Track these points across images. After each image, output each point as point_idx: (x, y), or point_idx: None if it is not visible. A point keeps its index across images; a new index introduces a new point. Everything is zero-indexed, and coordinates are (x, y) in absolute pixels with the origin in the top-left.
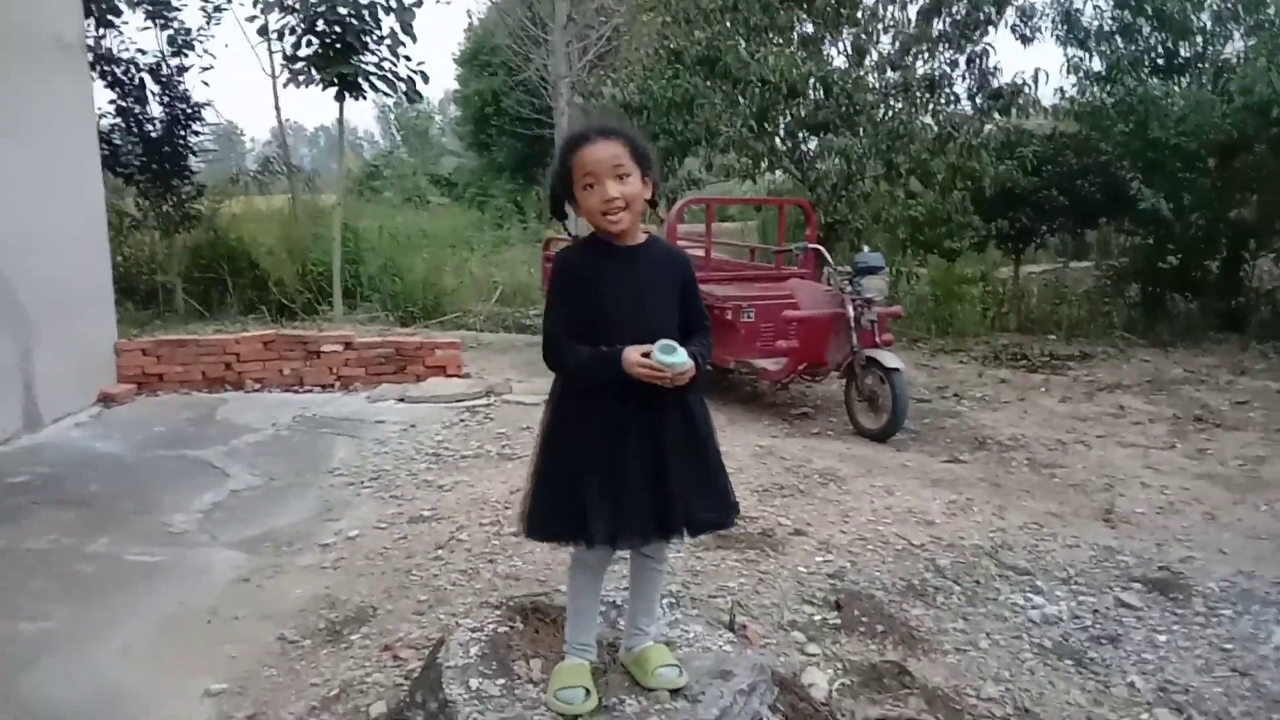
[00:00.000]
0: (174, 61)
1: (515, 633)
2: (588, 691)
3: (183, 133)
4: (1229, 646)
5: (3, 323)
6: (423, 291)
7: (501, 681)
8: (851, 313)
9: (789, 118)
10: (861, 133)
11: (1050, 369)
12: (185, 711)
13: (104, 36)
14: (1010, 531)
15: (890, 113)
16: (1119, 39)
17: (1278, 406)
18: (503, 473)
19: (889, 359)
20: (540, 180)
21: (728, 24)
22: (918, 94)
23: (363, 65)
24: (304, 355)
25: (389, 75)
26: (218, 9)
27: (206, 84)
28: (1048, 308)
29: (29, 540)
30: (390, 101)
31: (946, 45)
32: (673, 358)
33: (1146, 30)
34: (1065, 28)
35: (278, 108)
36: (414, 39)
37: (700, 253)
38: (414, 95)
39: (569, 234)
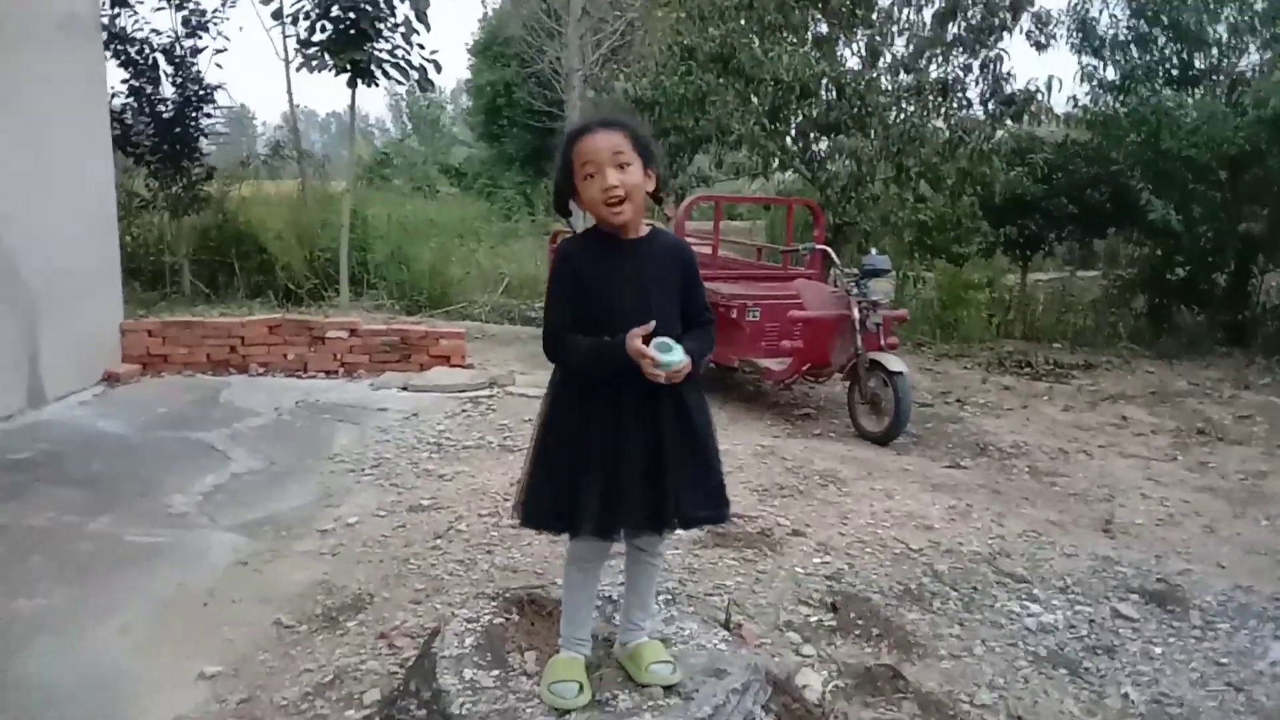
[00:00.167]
0: (188, 43)
1: (511, 624)
2: (581, 686)
3: (194, 114)
4: (1225, 661)
5: (8, 300)
6: (429, 281)
7: (496, 673)
8: (857, 315)
9: (801, 117)
10: (873, 135)
11: (1054, 377)
12: (179, 694)
13: (118, 16)
14: (1009, 539)
15: (902, 115)
16: (1134, 48)
17: None
18: (503, 464)
19: (893, 362)
20: (550, 173)
21: (742, 22)
22: (930, 97)
23: (376, 52)
24: (309, 341)
25: (402, 63)
26: None
27: (220, 66)
28: (1054, 316)
29: (30, 518)
30: (402, 89)
31: (960, 49)
32: (669, 356)
33: (1162, 41)
34: (1080, 35)
35: (290, 92)
36: (428, 27)
37: (707, 250)
38: (426, 84)
39: (572, 229)
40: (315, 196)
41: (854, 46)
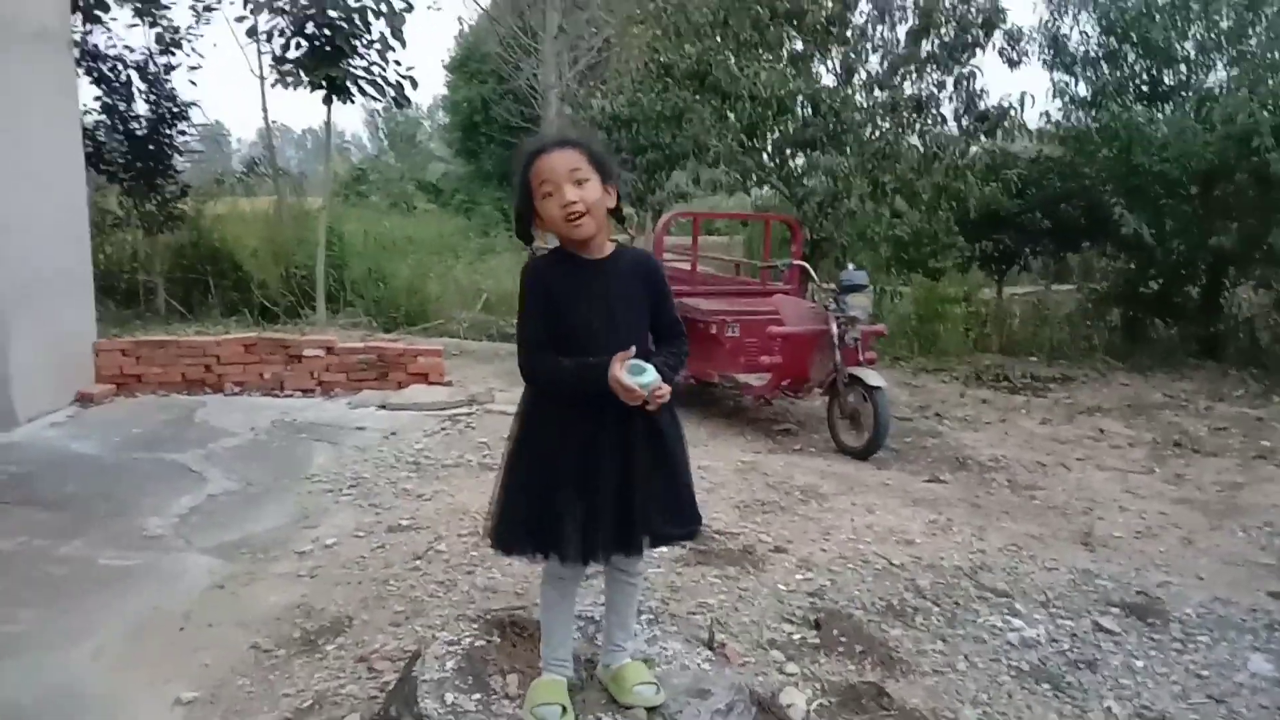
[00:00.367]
0: (161, 60)
1: (492, 647)
2: (564, 708)
3: (168, 132)
4: (1205, 673)
5: None
6: (407, 298)
7: (477, 696)
8: (835, 330)
9: (777, 134)
10: (848, 151)
11: (1031, 391)
12: (156, 719)
13: (90, 32)
14: (990, 553)
15: (877, 132)
16: (1104, 65)
17: (1255, 433)
18: (483, 483)
19: (872, 377)
20: None
21: (718, 39)
22: (905, 114)
23: (351, 69)
24: (285, 359)
25: (378, 79)
26: (207, 8)
27: (194, 83)
28: (1030, 329)
29: (0, 541)
30: (379, 106)
31: (934, 66)
32: (642, 377)
33: (1131, 58)
34: (1052, 52)
35: (265, 109)
36: (404, 44)
37: (686, 266)
38: (402, 100)
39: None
40: (291, 214)
41: (829, 64)
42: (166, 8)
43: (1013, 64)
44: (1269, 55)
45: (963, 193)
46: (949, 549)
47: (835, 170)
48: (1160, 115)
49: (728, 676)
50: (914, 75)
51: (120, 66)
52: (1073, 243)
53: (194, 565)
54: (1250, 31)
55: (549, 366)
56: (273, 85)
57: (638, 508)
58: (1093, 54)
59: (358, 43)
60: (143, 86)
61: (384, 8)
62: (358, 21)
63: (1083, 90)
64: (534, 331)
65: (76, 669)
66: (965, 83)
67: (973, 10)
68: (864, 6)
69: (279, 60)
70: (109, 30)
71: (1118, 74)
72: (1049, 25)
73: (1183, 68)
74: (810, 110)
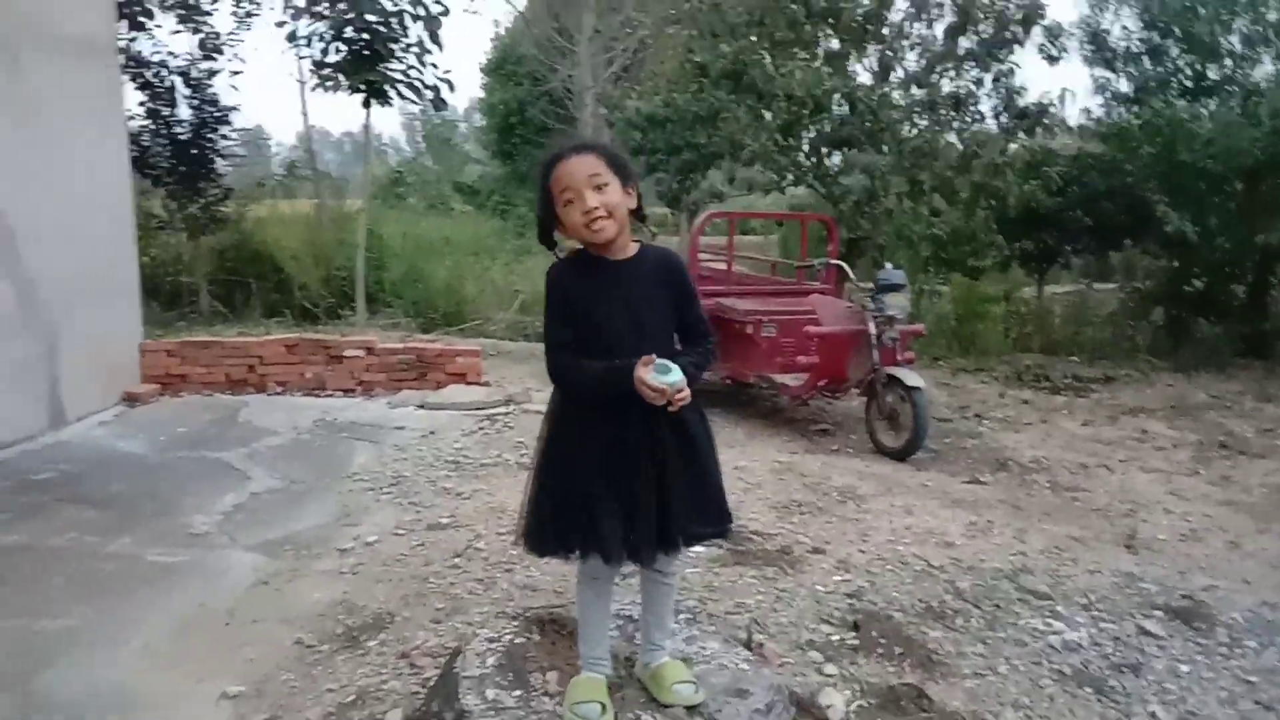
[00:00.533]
0: (204, 65)
1: (532, 644)
2: (604, 706)
3: (211, 136)
4: (1253, 679)
5: (28, 321)
6: (444, 298)
7: (518, 693)
8: (873, 330)
9: (813, 133)
10: (886, 149)
11: (1073, 391)
12: (202, 713)
13: (135, 39)
14: (1031, 555)
15: (915, 130)
16: (1147, 60)
17: None
18: (520, 482)
19: (910, 377)
20: None
21: (753, 39)
22: (943, 112)
23: (390, 72)
24: (326, 359)
25: (415, 83)
26: (248, 14)
27: (235, 88)
28: (1071, 329)
29: (51, 538)
30: (416, 109)
31: (972, 64)
32: (667, 377)
33: (1175, 52)
34: (1092, 48)
35: (305, 113)
36: (441, 47)
37: (722, 266)
38: (440, 103)
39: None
40: (331, 216)
41: (866, 62)
42: (208, 14)
43: (1052, 60)
44: None
45: (1002, 191)
46: (989, 551)
47: (872, 169)
48: (1205, 111)
49: (766, 676)
50: (952, 72)
51: (164, 72)
52: (1115, 241)
53: (238, 562)
54: None
55: (575, 369)
56: (312, 89)
57: (670, 510)
58: (1135, 49)
59: (396, 46)
60: (186, 92)
61: (421, 11)
62: (396, 25)
63: (1124, 86)
64: (559, 335)
65: (126, 664)
66: (1004, 80)
67: (1011, 6)
68: (901, 4)
69: (318, 65)
70: (153, 37)
71: (1160, 69)
72: (1089, 20)
73: (1228, 62)
74: (847, 109)
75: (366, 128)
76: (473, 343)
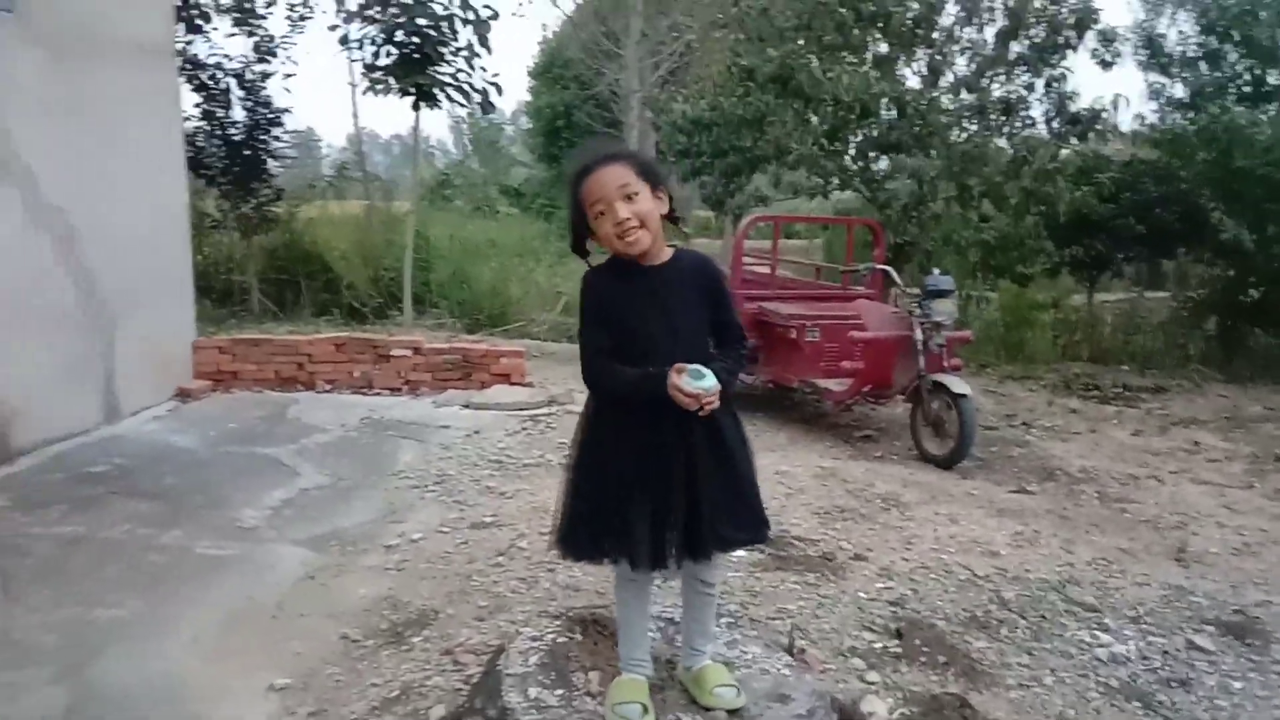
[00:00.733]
0: (258, 68)
1: (574, 643)
2: (645, 708)
3: (264, 137)
4: None
5: (86, 316)
6: (489, 299)
7: (560, 692)
8: (919, 335)
9: (860, 137)
10: (934, 154)
11: (1123, 400)
12: (250, 705)
13: (192, 42)
14: (1078, 566)
15: (964, 135)
16: (1204, 65)
17: None
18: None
19: (957, 384)
20: None
21: (801, 42)
22: (993, 117)
23: (439, 76)
24: (374, 358)
25: (464, 86)
26: (302, 18)
27: (288, 90)
28: (1121, 338)
29: (106, 530)
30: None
31: (1024, 68)
32: (701, 382)
33: (1233, 57)
34: (1148, 53)
35: (355, 115)
36: (490, 51)
37: (766, 270)
38: (488, 106)
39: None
40: (379, 217)
41: (915, 66)
42: (263, 18)
43: (1106, 65)
44: None
45: (1052, 197)
46: (1035, 561)
47: (920, 173)
48: (1264, 116)
49: (808, 682)
50: (1002, 77)
51: (219, 74)
52: (1168, 248)
53: (286, 556)
54: None
55: (610, 375)
56: (363, 92)
57: (704, 516)
58: (1191, 54)
59: (445, 50)
60: (240, 94)
61: (471, 16)
62: (445, 29)
63: (1180, 91)
64: (594, 341)
65: (175, 655)
66: (1056, 84)
67: (1064, 11)
68: (951, 8)
69: (369, 68)
70: (209, 39)
71: (1218, 74)
72: (1144, 25)
73: None
74: (895, 113)
75: (416, 130)
76: (517, 344)
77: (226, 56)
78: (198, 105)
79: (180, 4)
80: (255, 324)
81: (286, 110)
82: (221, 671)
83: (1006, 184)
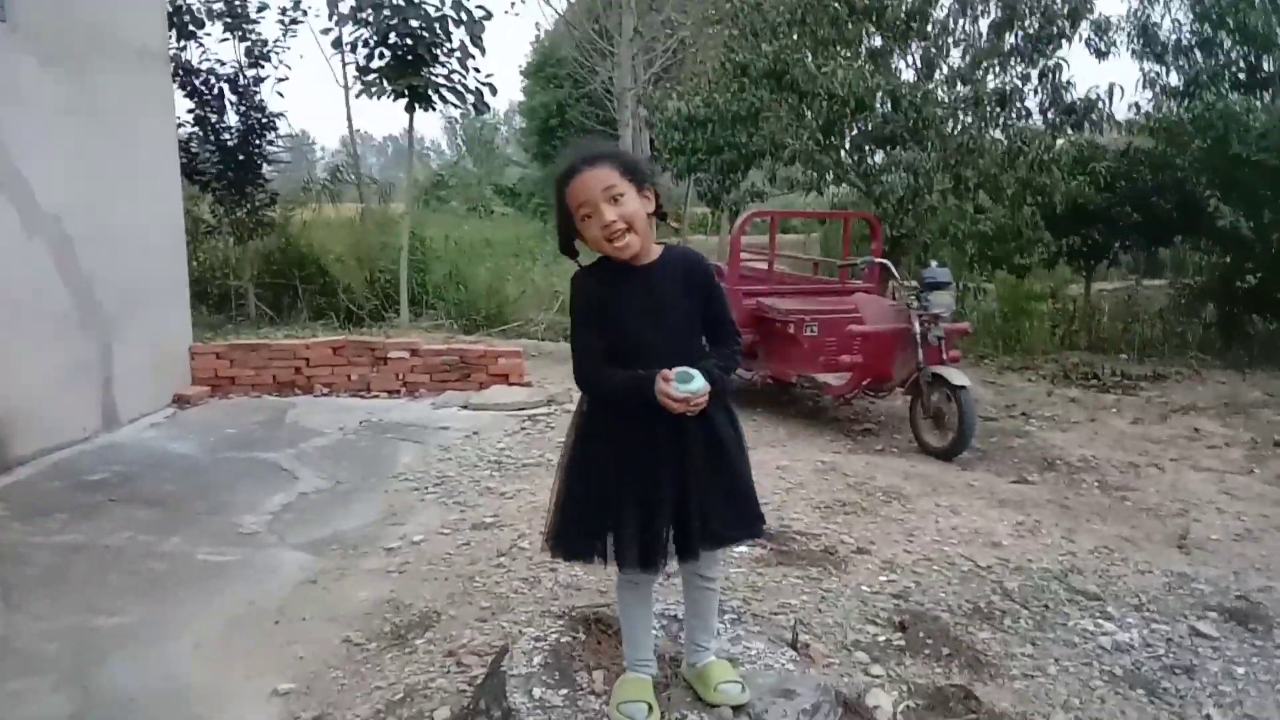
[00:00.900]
0: (251, 72)
1: (578, 643)
2: (650, 707)
3: (257, 142)
4: None
5: (84, 322)
6: (486, 300)
7: (564, 692)
8: (918, 328)
9: (855, 131)
10: (930, 147)
11: (1122, 389)
12: (253, 710)
13: (184, 48)
14: (1080, 555)
15: (959, 127)
16: (1198, 53)
17: None
18: None
19: (956, 376)
20: None
21: (795, 37)
22: (988, 108)
23: (433, 77)
24: (371, 361)
25: (458, 87)
26: (294, 21)
27: (281, 94)
28: (1119, 326)
29: (106, 537)
30: (457, 112)
31: (1018, 59)
32: (689, 385)
33: (1228, 44)
34: (1142, 41)
35: (349, 118)
36: (483, 51)
37: (763, 265)
38: (482, 106)
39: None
40: (374, 219)
41: (909, 59)
42: (255, 22)
43: (1100, 55)
44: None
45: (1048, 187)
46: (1037, 551)
47: (916, 166)
48: (1259, 104)
49: (813, 677)
50: (997, 68)
51: (212, 80)
52: (1164, 237)
53: (287, 561)
54: None
55: (601, 377)
56: (357, 95)
57: (695, 513)
58: (1185, 42)
59: (439, 51)
60: (233, 98)
61: (464, 16)
62: (439, 30)
63: (1174, 80)
64: (585, 342)
65: (178, 660)
66: (1050, 75)
67: (1058, 1)
68: (945, 0)
69: (363, 70)
70: (202, 45)
71: (1212, 62)
72: (1138, 14)
73: None
74: (890, 106)
75: (410, 132)
76: (514, 344)
77: (219, 61)
78: (191, 111)
79: (173, 9)
80: (252, 329)
81: (280, 114)
82: (224, 677)
83: (1002, 175)
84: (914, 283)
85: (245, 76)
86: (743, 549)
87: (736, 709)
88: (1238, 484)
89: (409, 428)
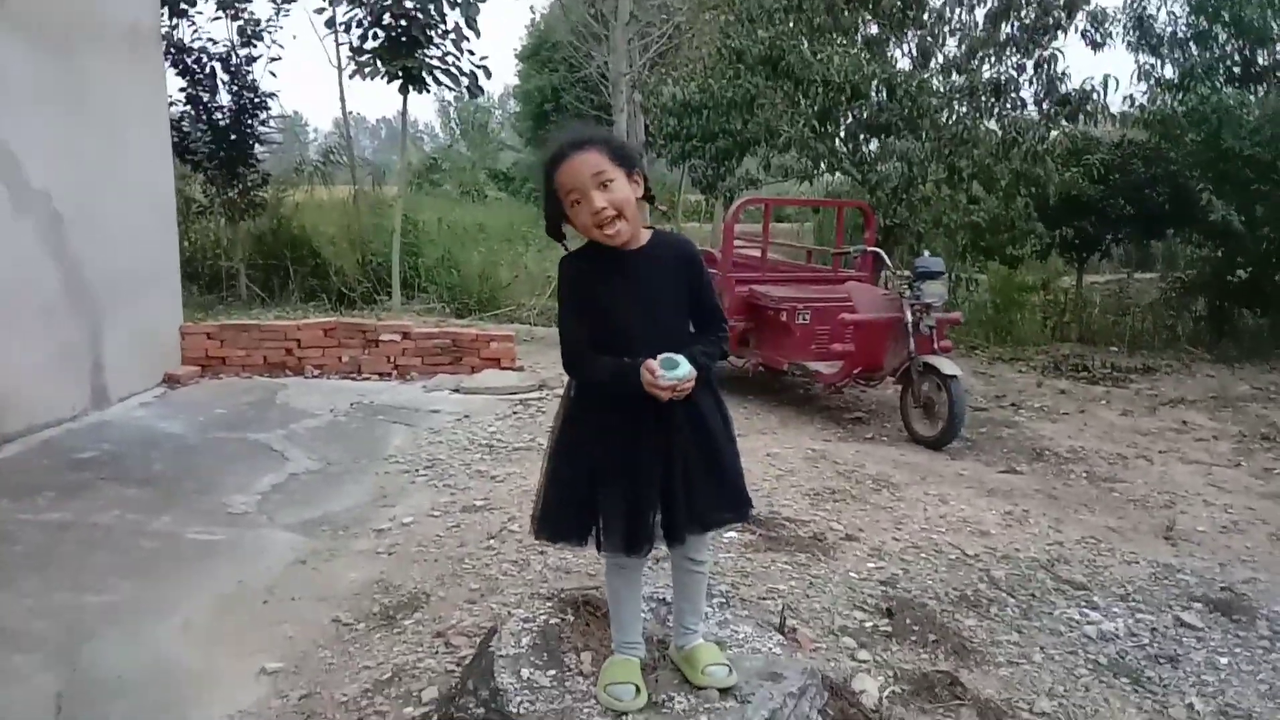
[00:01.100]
0: (243, 52)
1: (566, 625)
2: (638, 688)
3: (250, 122)
4: None
5: (73, 303)
6: (478, 284)
7: (552, 672)
8: (910, 317)
9: (850, 119)
10: (924, 136)
11: (1112, 381)
12: (242, 689)
13: (177, 26)
14: (1067, 545)
15: (954, 117)
16: (1193, 46)
17: None
18: None
19: (946, 365)
20: None
21: (791, 24)
22: (983, 98)
23: (427, 59)
24: (363, 343)
25: (452, 69)
26: (287, 1)
27: (274, 74)
28: (1110, 319)
29: (95, 515)
30: (451, 95)
31: (1014, 49)
32: (675, 371)
33: (1223, 38)
34: (1137, 34)
35: (342, 99)
36: (478, 34)
37: (756, 253)
38: (476, 90)
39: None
40: (367, 202)
41: (905, 47)
42: (248, 1)
43: (1096, 46)
44: None
45: (1042, 178)
46: (1025, 540)
47: (910, 155)
48: (1253, 97)
49: (800, 661)
50: (992, 58)
51: (204, 59)
52: (1157, 229)
53: (276, 541)
54: None
55: (588, 363)
56: (350, 76)
57: (680, 496)
58: (1180, 35)
59: (433, 33)
60: (225, 78)
61: None
62: (433, 12)
63: (1169, 72)
64: (573, 327)
65: (167, 639)
66: (1046, 66)
67: None
68: None
69: (356, 51)
70: (194, 23)
71: (1207, 55)
72: (1134, 6)
73: (1279, 47)
74: (885, 95)
75: (403, 115)
76: (507, 328)
77: (211, 40)
78: (183, 90)
79: None
80: (243, 310)
81: (272, 94)
82: (213, 655)
83: (996, 166)
84: (907, 272)
85: (238, 55)
86: (732, 534)
87: (723, 691)
88: (1225, 476)
89: (400, 410)
